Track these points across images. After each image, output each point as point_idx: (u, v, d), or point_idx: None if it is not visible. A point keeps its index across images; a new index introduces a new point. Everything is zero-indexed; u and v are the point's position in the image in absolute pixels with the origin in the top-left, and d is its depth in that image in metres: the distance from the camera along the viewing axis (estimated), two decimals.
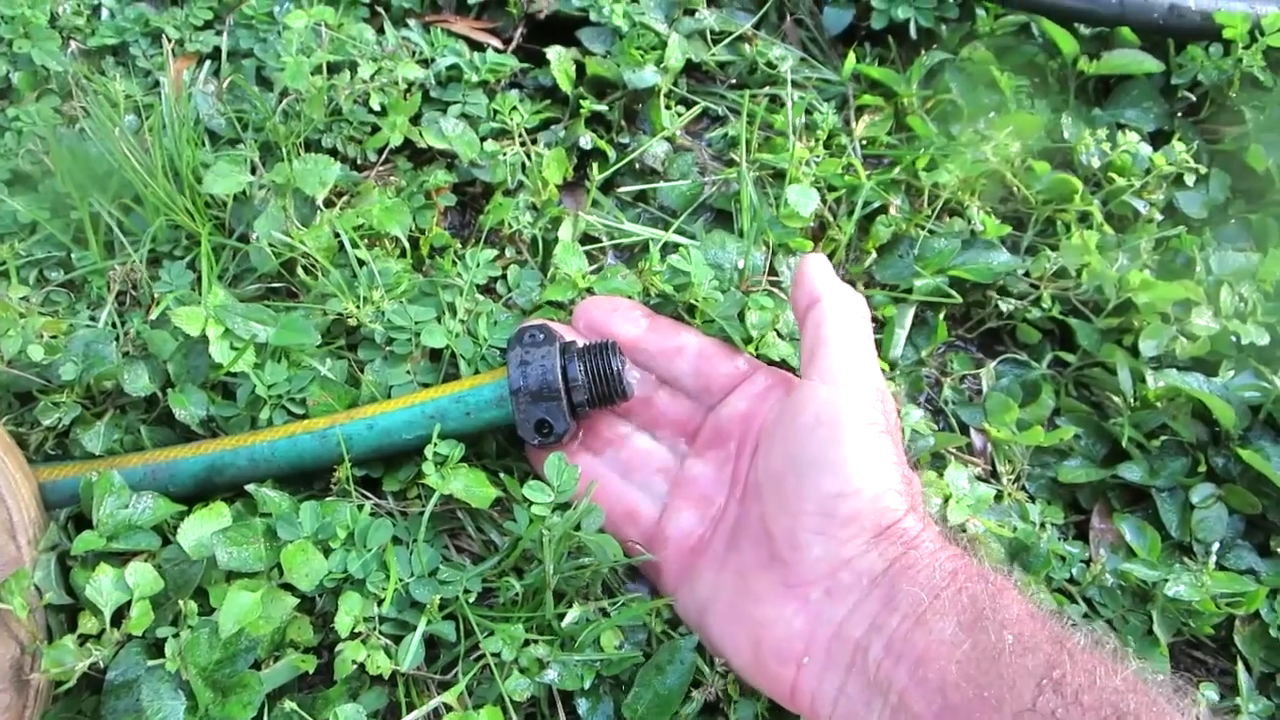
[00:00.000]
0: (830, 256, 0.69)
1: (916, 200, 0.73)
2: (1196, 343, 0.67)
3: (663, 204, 0.73)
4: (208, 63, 0.77)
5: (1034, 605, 0.45)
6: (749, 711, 0.52)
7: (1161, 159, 0.72)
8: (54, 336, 0.59)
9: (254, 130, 0.72)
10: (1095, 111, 0.79)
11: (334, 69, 0.72)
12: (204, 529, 0.50)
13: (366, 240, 0.65)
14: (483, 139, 0.71)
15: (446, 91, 0.75)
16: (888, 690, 0.44)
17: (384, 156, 0.72)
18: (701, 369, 0.58)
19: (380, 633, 0.51)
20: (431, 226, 0.68)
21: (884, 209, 0.72)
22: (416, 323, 0.61)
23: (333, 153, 0.71)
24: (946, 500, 0.59)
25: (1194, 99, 0.79)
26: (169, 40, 0.75)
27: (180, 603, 0.49)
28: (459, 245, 0.69)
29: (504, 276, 0.66)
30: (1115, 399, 0.67)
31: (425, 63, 0.75)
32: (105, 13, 0.81)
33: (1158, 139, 0.77)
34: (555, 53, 0.75)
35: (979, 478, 0.63)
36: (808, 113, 0.77)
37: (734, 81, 0.81)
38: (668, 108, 0.75)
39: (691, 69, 0.80)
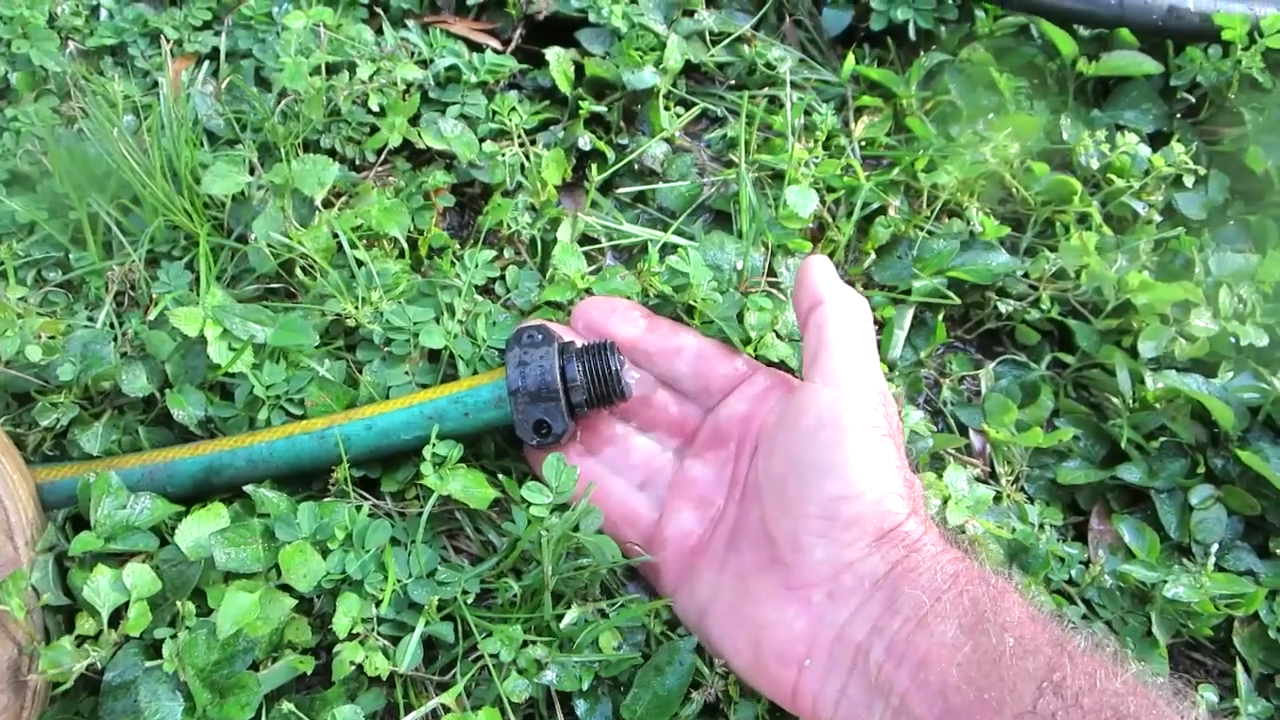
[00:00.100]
0: (829, 257, 0.69)
1: (915, 201, 0.73)
2: (1195, 344, 0.67)
3: (662, 205, 0.73)
4: (206, 63, 0.77)
5: (1035, 608, 0.45)
6: (749, 713, 0.52)
7: (1160, 160, 0.72)
8: (52, 337, 0.59)
9: (252, 131, 0.72)
10: (1094, 113, 0.79)
11: (333, 69, 0.72)
12: (202, 530, 0.50)
13: (365, 241, 0.65)
14: (481, 140, 0.71)
15: (445, 92, 0.75)
16: (889, 693, 0.44)
17: (383, 157, 0.72)
18: (700, 370, 0.58)
19: (378, 634, 0.51)
20: (430, 227, 0.68)
21: (883, 210, 0.72)
22: (415, 323, 0.61)
23: (331, 153, 0.70)
24: (945, 501, 0.59)
25: (1193, 100, 0.79)
26: (167, 41, 0.75)
27: (178, 603, 0.49)
28: (457, 246, 0.69)
29: (502, 277, 0.66)
30: (1114, 400, 0.67)
31: (424, 63, 0.75)
32: (104, 13, 0.81)
33: (1157, 140, 0.77)
34: (554, 54, 0.75)
35: (978, 479, 0.63)
36: (807, 114, 0.77)
37: (733, 82, 0.81)
38: (667, 109, 0.75)
39: (690, 70, 0.80)
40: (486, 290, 0.67)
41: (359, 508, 0.54)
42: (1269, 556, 0.63)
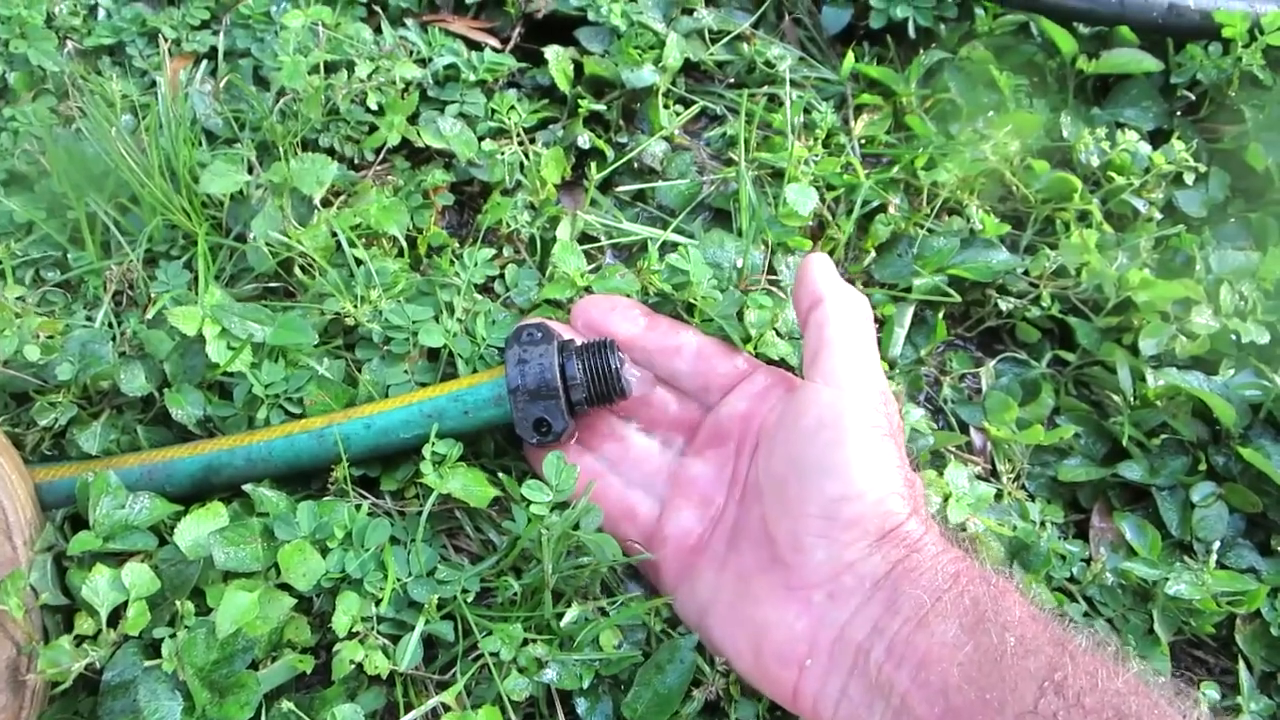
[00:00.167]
0: (829, 255, 0.69)
1: (915, 199, 0.73)
2: (1196, 341, 0.67)
3: (661, 203, 0.73)
4: (204, 62, 0.77)
5: (1036, 607, 0.45)
6: (750, 711, 0.52)
7: (1161, 158, 0.72)
8: (50, 337, 0.59)
9: (251, 130, 0.72)
10: (1094, 110, 0.79)
11: (331, 68, 0.72)
12: (201, 529, 0.50)
13: (364, 240, 0.65)
14: (480, 138, 0.71)
15: (444, 91, 0.75)
16: (889, 693, 0.43)
17: (381, 156, 0.72)
18: (700, 368, 0.58)
19: (378, 632, 0.51)
20: (429, 226, 0.68)
21: (883, 208, 0.72)
22: (414, 322, 0.61)
23: (330, 152, 0.70)
24: (946, 499, 0.59)
25: (1193, 98, 0.79)
26: (165, 40, 0.75)
27: (177, 603, 0.49)
28: (457, 244, 0.69)
29: (502, 276, 0.66)
30: (1115, 398, 0.67)
31: (423, 62, 0.75)
32: (102, 13, 0.80)
33: (1157, 138, 0.77)
34: (553, 52, 0.75)
35: (979, 476, 0.63)
36: (806, 112, 0.77)
37: (732, 81, 0.81)
38: (666, 107, 0.75)
39: (690, 68, 0.80)
40: (486, 289, 0.67)
41: (358, 506, 0.54)
42: (1271, 554, 0.63)
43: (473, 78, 0.74)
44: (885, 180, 0.72)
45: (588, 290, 0.63)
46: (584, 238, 0.69)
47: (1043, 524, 0.62)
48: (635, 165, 0.74)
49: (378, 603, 0.51)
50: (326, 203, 0.67)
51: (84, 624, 0.48)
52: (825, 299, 0.52)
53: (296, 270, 0.64)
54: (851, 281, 0.70)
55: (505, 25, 0.81)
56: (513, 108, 0.71)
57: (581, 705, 0.51)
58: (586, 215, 0.69)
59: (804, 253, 0.68)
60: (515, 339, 0.57)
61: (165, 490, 0.54)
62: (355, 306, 0.61)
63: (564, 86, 0.74)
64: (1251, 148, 0.74)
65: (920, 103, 0.79)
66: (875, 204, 0.72)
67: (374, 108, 0.71)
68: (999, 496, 0.63)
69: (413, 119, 0.73)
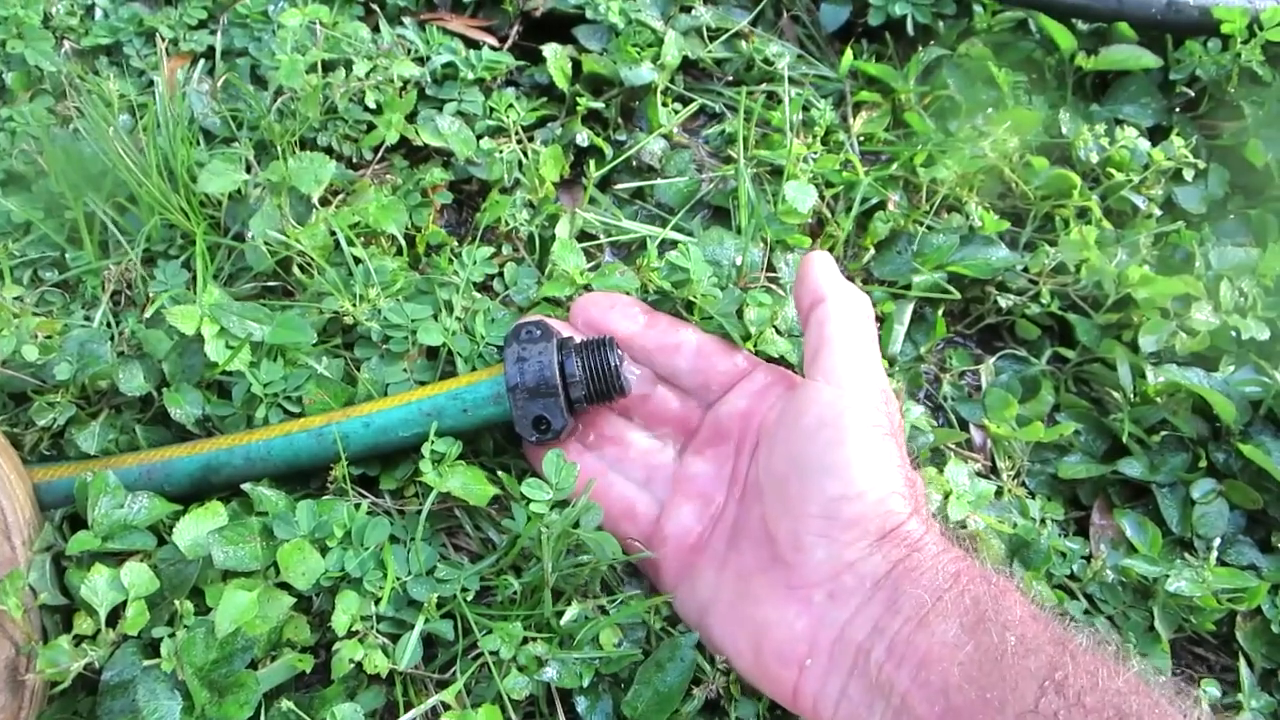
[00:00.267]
0: (828, 253, 0.69)
1: (915, 196, 0.73)
2: (1196, 338, 0.67)
3: (660, 201, 0.73)
4: (202, 62, 0.77)
5: (1036, 607, 0.45)
6: (750, 710, 0.52)
7: (1160, 154, 0.72)
8: (49, 336, 0.59)
9: (249, 129, 0.72)
10: (1093, 107, 0.79)
11: (329, 67, 0.72)
12: (200, 528, 0.50)
13: (362, 238, 0.65)
14: (479, 137, 0.71)
15: (442, 89, 0.75)
16: (890, 693, 0.43)
17: (380, 154, 0.72)
18: (700, 366, 0.58)
19: (378, 631, 0.51)
20: (428, 224, 0.68)
21: (882, 205, 0.72)
22: (413, 320, 0.61)
23: (328, 151, 0.70)
24: (946, 496, 0.59)
25: (1192, 94, 0.79)
26: (163, 40, 0.75)
27: (176, 602, 0.48)
28: (455, 243, 0.69)
29: (501, 274, 0.66)
30: (1115, 394, 0.67)
31: (421, 60, 0.75)
32: (99, 12, 0.80)
33: (1156, 134, 0.77)
34: (551, 50, 0.74)
35: (979, 474, 0.63)
36: (805, 109, 0.76)
37: (731, 78, 0.81)
38: (664, 105, 0.75)
39: (688, 66, 0.80)
40: (485, 287, 0.67)
41: (358, 505, 0.54)
42: (1271, 551, 0.62)
43: (471, 76, 0.74)
44: (884, 177, 0.72)
45: (587, 288, 0.63)
46: (583, 235, 0.69)
47: (1043, 521, 0.62)
48: (634, 163, 0.74)
49: (377, 601, 0.51)
50: (325, 201, 0.67)
51: (83, 624, 0.48)
52: (826, 297, 0.52)
53: (295, 269, 0.64)
54: (851, 279, 0.70)
55: (503, 23, 0.81)
56: (511, 106, 0.71)
57: (581, 704, 0.51)
58: (585, 213, 0.69)
59: (803, 250, 0.68)
60: (514, 337, 0.57)
61: (164, 490, 0.54)
62: (354, 305, 0.61)
63: (562, 84, 0.74)
64: (1251, 144, 0.74)
65: (919, 100, 0.79)
66: (874, 201, 0.72)
67: (372, 106, 0.71)
68: (999, 494, 0.63)
69: (411, 117, 0.72)
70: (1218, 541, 0.62)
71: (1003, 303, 0.70)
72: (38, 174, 0.69)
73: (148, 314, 0.61)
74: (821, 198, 0.70)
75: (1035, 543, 0.60)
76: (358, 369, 0.60)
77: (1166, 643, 0.59)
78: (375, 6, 0.80)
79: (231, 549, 0.50)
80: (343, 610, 0.50)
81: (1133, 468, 0.64)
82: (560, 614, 0.52)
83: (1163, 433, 0.65)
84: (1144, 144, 0.73)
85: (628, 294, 0.62)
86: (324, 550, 0.51)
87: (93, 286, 0.65)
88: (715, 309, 0.60)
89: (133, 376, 0.58)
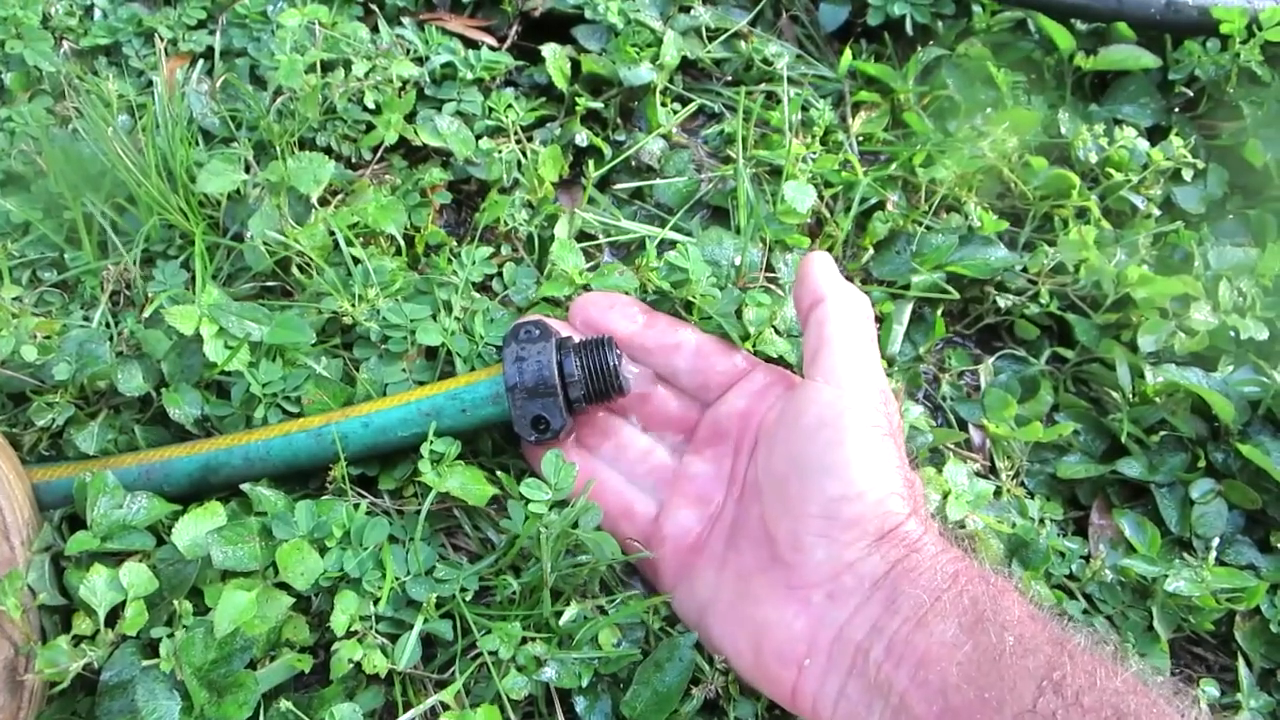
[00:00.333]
0: (827, 253, 0.69)
1: (914, 196, 0.73)
2: (1195, 338, 0.67)
3: (659, 201, 0.73)
4: (201, 62, 0.77)
5: (1034, 607, 0.45)
6: (749, 710, 0.52)
7: (1159, 154, 0.72)
8: (47, 337, 0.59)
9: (248, 129, 0.72)
10: (1092, 107, 0.79)
11: (328, 67, 0.72)
12: (199, 528, 0.50)
13: (361, 238, 0.65)
14: (478, 137, 0.71)
15: (441, 89, 0.75)
16: (888, 692, 0.43)
17: (379, 154, 0.72)
18: (699, 366, 0.58)
19: (377, 631, 0.51)
20: (427, 224, 0.68)
21: (881, 205, 0.72)
22: (412, 320, 0.61)
23: (327, 151, 0.70)
24: (945, 496, 0.59)
25: (1191, 94, 0.79)
26: (162, 40, 0.75)
27: (175, 603, 0.48)
28: (454, 243, 0.69)
29: (500, 274, 0.66)
30: (1114, 394, 0.67)
31: (420, 60, 0.75)
32: (98, 13, 0.80)
33: (1155, 134, 0.77)
34: (550, 50, 0.74)
35: (978, 474, 0.63)
36: (804, 109, 0.76)
37: (730, 78, 0.81)
38: (663, 105, 0.75)
39: (687, 66, 0.80)
40: (484, 287, 0.67)
41: (357, 505, 0.54)
42: (1270, 551, 0.62)
43: (470, 76, 0.74)
44: (883, 177, 0.72)
45: (586, 288, 0.63)
46: (582, 236, 0.69)
47: (1042, 521, 0.62)
48: (633, 163, 0.74)
49: (376, 601, 0.51)
50: (324, 201, 0.67)
51: (82, 624, 0.48)
52: (826, 297, 0.52)
53: (294, 269, 0.64)
54: (850, 279, 0.70)
55: (502, 23, 0.81)
56: (510, 106, 0.71)
57: (580, 704, 0.51)
58: (584, 213, 0.69)
59: (802, 250, 0.68)
60: (513, 337, 0.57)
61: (163, 490, 0.54)
62: (353, 305, 0.61)
63: (561, 84, 0.74)
64: (1250, 144, 0.74)
65: (918, 100, 0.79)
66: (873, 201, 0.72)
67: (371, 106, 0.71)
68: (998, 494, 0.63)
69: (410, 117, 0.72)
70: (1216, 541, 0.62)
71: (1002, 303, 0.70)
72: (37, 174, 0.69)
73: (146, 314, 0.61)
74: (820, 198, 0.70)
75: (1034, 542, 0.60)
76: (356, 369, 0.60)
77: (1165, 642, 0.59)
78: (374, 6, 0.80)
79: (230, 549, 0.50)
80: (342, 610, 0.50)
81: (1132, 468, 0.64)
82: (559, 614, 0.52)
83: (1161, 433, 0.65)
84: (1143, 144, 0.73)
85: (627, 294, 0.62)
86: (323, 550, 0.51)
87: (91, 287, 0.65)
88: (714, 309, 0.60)
89: (131, 377, 0.58)
